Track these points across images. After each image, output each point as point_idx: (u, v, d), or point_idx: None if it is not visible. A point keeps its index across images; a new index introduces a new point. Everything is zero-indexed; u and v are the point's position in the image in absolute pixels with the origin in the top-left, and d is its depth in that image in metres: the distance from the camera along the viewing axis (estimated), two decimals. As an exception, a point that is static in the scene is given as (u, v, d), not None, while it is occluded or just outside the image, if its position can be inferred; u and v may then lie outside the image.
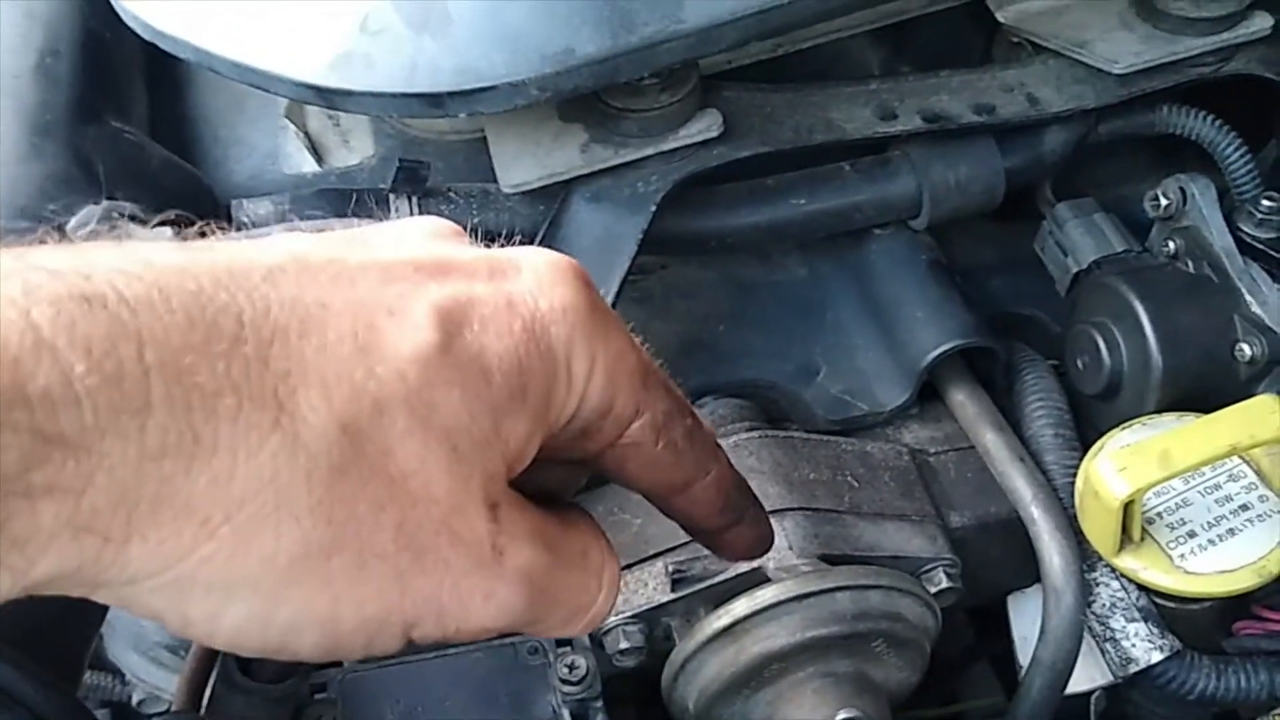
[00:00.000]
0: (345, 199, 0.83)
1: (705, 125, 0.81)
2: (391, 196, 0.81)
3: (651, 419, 0.43)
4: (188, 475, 0.33)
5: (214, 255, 0.36)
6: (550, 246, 0.79)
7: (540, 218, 0.81)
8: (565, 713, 0.66)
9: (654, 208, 0.79)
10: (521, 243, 0.84)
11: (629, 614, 0.72)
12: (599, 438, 0.43)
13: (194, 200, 0.83)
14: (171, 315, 0.33)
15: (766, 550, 0.51)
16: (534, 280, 0.40)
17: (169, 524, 0.33)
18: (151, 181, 0.80)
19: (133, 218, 0.72)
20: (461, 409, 0.37)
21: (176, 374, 0.33)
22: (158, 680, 0.82)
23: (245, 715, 0.55)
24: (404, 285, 0.38)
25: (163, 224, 0.72)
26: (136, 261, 0.34)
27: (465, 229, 0.85)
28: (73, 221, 0.71)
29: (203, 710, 0.57)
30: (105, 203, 0.73)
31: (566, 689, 0.66)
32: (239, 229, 0.81)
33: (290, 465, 0.34)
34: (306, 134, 0.94)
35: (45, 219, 0.72)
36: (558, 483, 0.45)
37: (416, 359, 0.37)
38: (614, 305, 0.78)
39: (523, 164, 0.81)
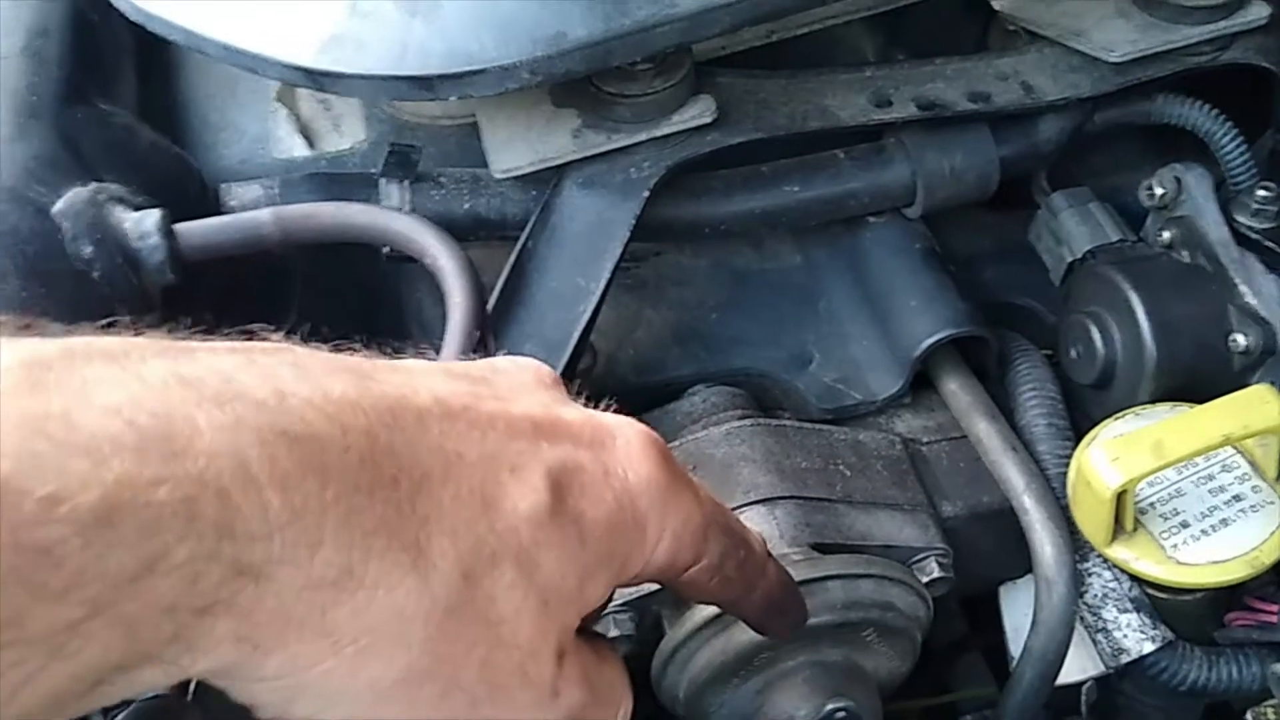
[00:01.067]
0: (335, 184, 0.83)
1: (698, 111, 0.80)
2: (382, 181, 0.80)
3: (708, 564, 0.49)
4: (336, 604, 0.37)
5: (377, 388, 0.41)
6: (542, 232, 0.79)
7: (532, 203, 0.81)
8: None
9: (646, 194, 0.79)
10: (513, 229, 0.84)
11: (619, 602, 0.71)
12: (657, 580, 0.49)
13: (182, 184, 0.82)
14: (348, 453, 0.38)
15: (799, 629, 0.57)
16: (626, 452, 0.46)
17: (309, 641, 0.37)
18: (140, 164, 0.79)
19: (120, 200, 0.72)
20: (557, 569, 0.42)
21: (347, 512, 0.37)
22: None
23: (234, 704, 0.54)
24: (523, 444, 0.43)
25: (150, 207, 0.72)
26: (318, 391, 0.38)
27: (456, 214, 0.85)
28: (59, 204, 0.71)
29: (189, 697, 0.56)
30: (92, 185, 0.72)
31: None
32: (228, 213, 0.80)
33: (416, 603, 0.39)
34: (297, 118, 0.93)
35: (31, 201, 0.71)
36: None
37: (530, 519, 0.42)
38: (606, 292, 0.77)
39: (514, 149, 0.80)
